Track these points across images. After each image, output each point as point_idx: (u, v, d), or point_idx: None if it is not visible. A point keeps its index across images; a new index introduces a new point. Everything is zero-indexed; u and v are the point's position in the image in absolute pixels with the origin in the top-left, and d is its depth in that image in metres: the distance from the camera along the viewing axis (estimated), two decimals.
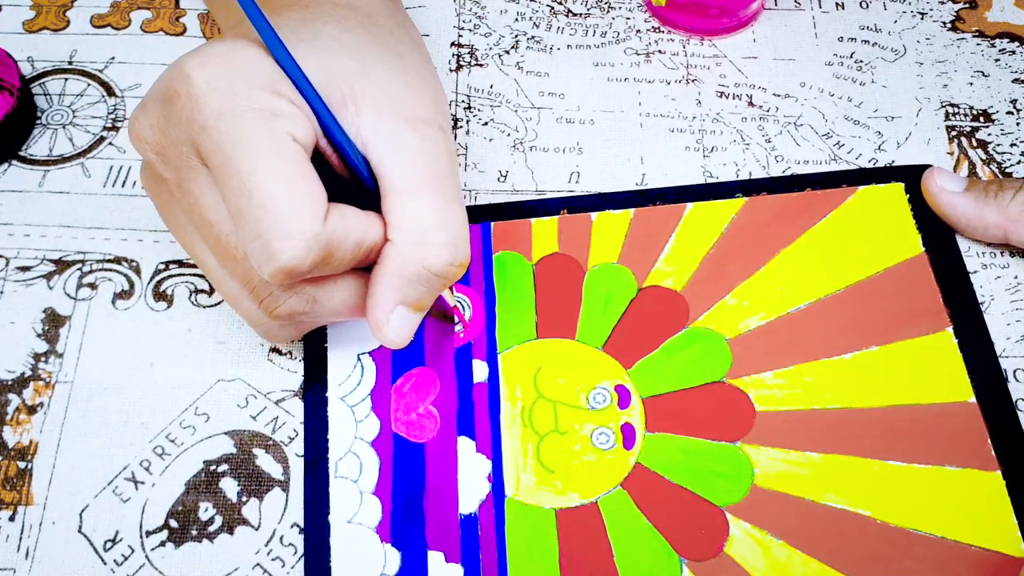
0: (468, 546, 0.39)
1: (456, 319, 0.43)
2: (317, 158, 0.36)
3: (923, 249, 0.45)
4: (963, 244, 0.45)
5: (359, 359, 0.43)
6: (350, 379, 0.42)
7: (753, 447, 0.41)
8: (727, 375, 0.42)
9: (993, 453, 0.40)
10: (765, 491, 0.40)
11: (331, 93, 0.36)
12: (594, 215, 0.46)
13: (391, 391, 0.42)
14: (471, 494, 0.40)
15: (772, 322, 0.43)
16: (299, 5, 0.40)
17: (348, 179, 0.38)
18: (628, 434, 0.41)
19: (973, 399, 0.41)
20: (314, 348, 0.43)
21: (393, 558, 0.39)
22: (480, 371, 0.43)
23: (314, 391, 0.42)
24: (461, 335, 0.43)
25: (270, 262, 0.34)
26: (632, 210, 0.46)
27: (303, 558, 0.39)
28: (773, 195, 0.46)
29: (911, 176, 0.46)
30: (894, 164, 0.48)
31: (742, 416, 0.41)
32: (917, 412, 0.41)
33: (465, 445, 0.41)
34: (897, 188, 0.46)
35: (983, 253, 0.45)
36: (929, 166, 0.46)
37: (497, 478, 0.40)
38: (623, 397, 0.42)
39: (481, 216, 0.46)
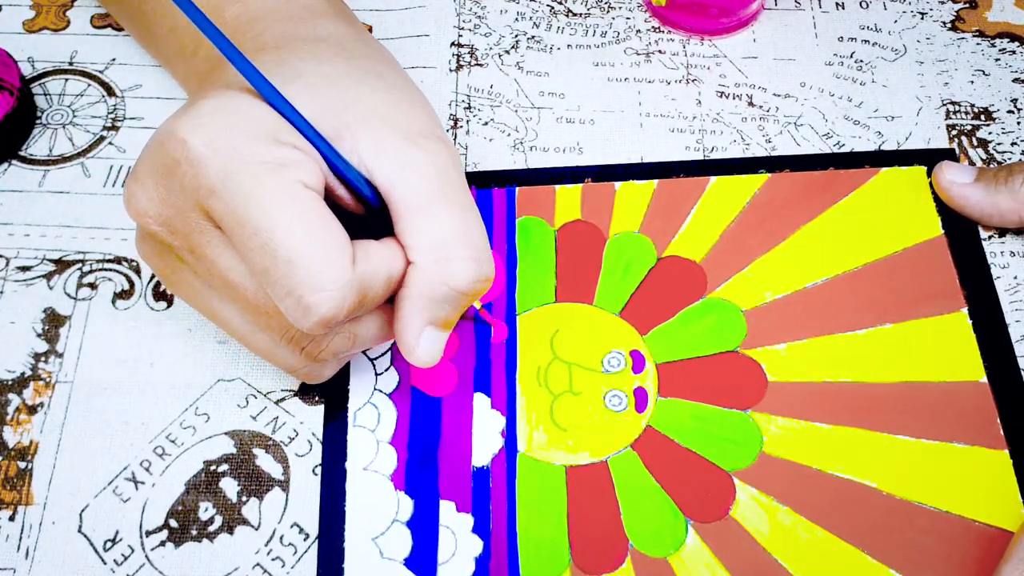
0: (479, 497, 0.40)
1: (481, 319, 0.43)
2: (326, 197, 0.36)
3: (942, 231, 0.45)
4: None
5: None
6: None
7: (763, 416, 0.41)
8: (741, 345, 0.43)
9: (1002, 432, 0.41)
10: (773, 458, 0.41)
11: (325, 127, 0.35)
12: (618, 184, 0.47)
13: None
14: (484, 448, 0.41)
15: (788, 296, 0.44)
16: (270, 47, 0.39)
17: (361, 213, 0.37)
18: (640, 397, 0.42)
19: (984, 379, 0.42)
20: None
21: (406, 505, 0.40)
22: (499, 332, 0.44)
23: None
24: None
25: (307, 317, 0.33)
26: (656, 181, 0.47)
27: (319, 502, 0.40)
28: (796, 172, 0.47)
29: (934, 160, 0.47)
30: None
31: (754, 385, 0.42)
32: (928, 389, 0.42)
33: (481, 401, 0.42)
34: (919, 171, 0.47)
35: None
36: (952, 151, 0.47)
37: (510, 434, 0.41)
38: (637, 362, 0.43)
39: (507, 181, 0.47)
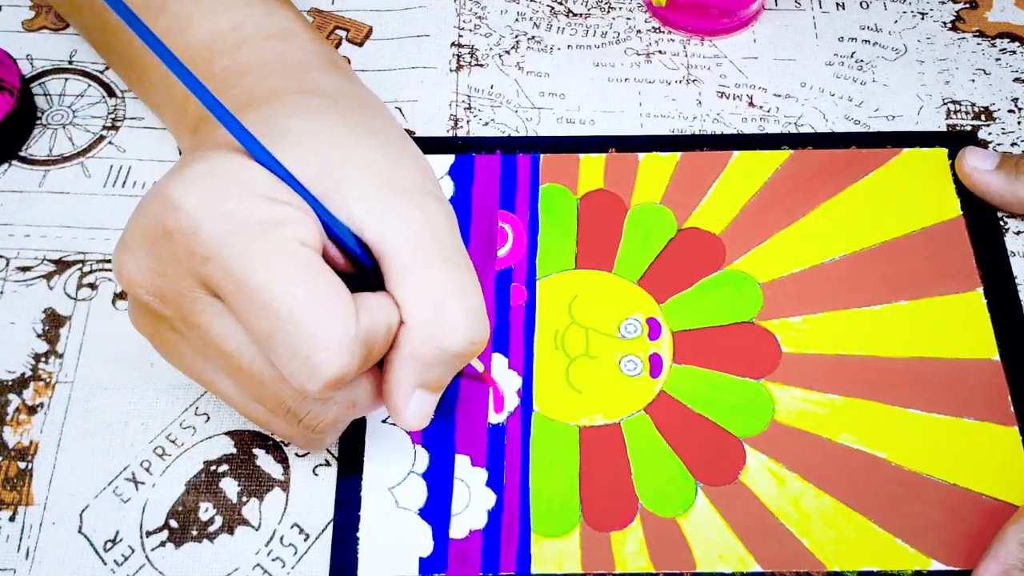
0: (494, 453, 0.41)
1: (479, 378, 0.43)
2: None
3: (961, 213, 0.46)
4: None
5: None
6: None
7: (776, 385, 0.42)
8: (757, 317, 0.44)
9: (1012, 409, 0.41)
10: (784, 426, 0.41)
11: (313, 185, 0.34)
12: (641, 155, 0.48)
13: None
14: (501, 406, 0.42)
15: (806, 270, 0.45)
16: (259, 102, 0.37)
17: (352, 272, 0.35)
18: (655, 363, 0.43)
19: (997, 357, 0.42)
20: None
21: (422, 457, 0.41)
22: (518, 295, 0.44)
23: None
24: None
25: (315, 377, 0.32)
26: (679, 153, 0.48)
27: (337, 453, 0.41)
28: (819, 150, 0.48)
29: (956, 142, 0.47)
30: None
31: (768, 355, 0.43)
32: (941, 365, 0.42)
33: (498, 361, 0.43)
34: (940, 153, 0.47)
35: None
36: (975, 134, 0.47)
37: (526, 393, 0.42)
38: (654, 329, 0.44)
39: (532, 148, 0.48)
